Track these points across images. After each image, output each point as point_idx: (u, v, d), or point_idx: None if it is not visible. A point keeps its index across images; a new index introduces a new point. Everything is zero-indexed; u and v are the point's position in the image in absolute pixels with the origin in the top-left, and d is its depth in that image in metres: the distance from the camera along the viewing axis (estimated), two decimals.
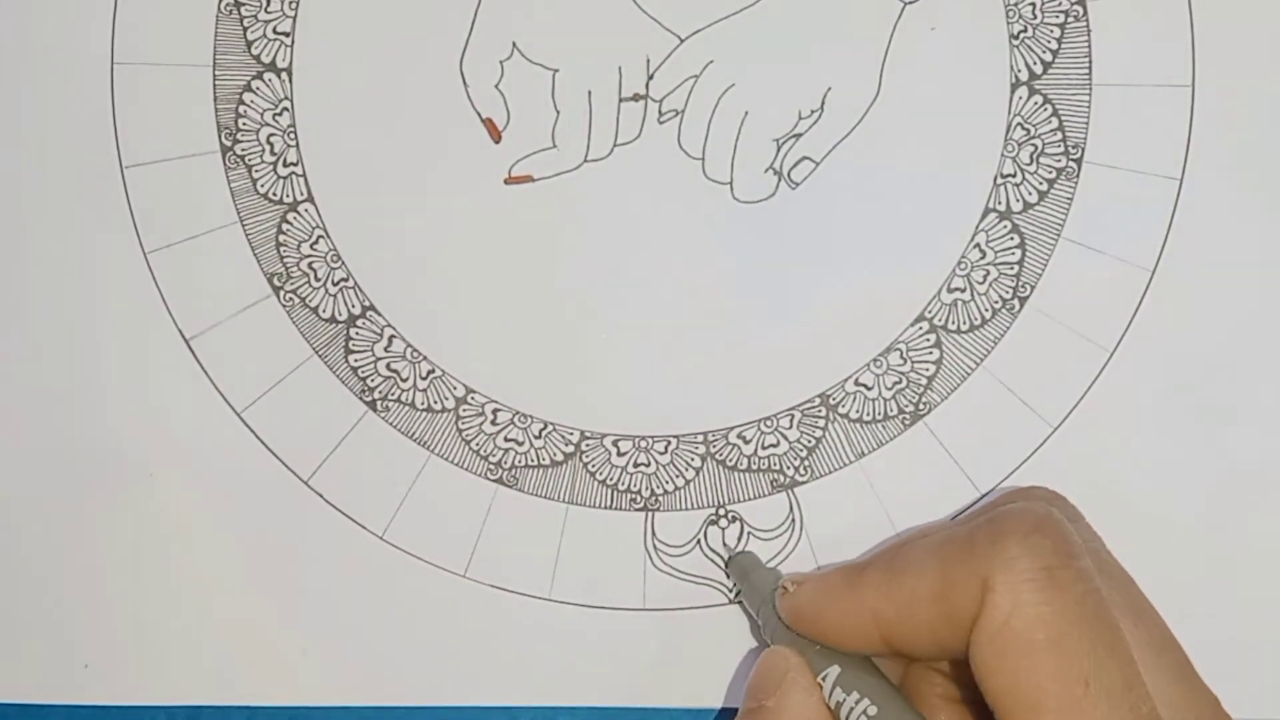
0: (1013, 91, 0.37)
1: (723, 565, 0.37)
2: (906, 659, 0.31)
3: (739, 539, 0.37)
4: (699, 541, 0.37)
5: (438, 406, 0.37)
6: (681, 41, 0.37)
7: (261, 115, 0.37)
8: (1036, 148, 0.37)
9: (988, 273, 0.37)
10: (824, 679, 0.31)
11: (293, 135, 0.37)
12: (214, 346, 0.37)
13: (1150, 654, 0.28)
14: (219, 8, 0.37)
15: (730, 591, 0.36)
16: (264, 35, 0.37)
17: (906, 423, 0.37)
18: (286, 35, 0.37)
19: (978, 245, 0.37)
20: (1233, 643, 0.36)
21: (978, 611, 0.28)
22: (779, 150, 0.37)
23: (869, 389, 0.37)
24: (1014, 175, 0.37)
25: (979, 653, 0.27)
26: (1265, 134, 0.36)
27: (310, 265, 0.37)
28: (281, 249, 0.37)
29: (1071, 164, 0.37)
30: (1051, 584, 0.27)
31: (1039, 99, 0.37)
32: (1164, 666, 0.29)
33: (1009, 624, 0.27)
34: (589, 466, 0.37)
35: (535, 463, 0.37)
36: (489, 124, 0.37)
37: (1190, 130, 0.36)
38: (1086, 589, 0.27)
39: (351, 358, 0.37)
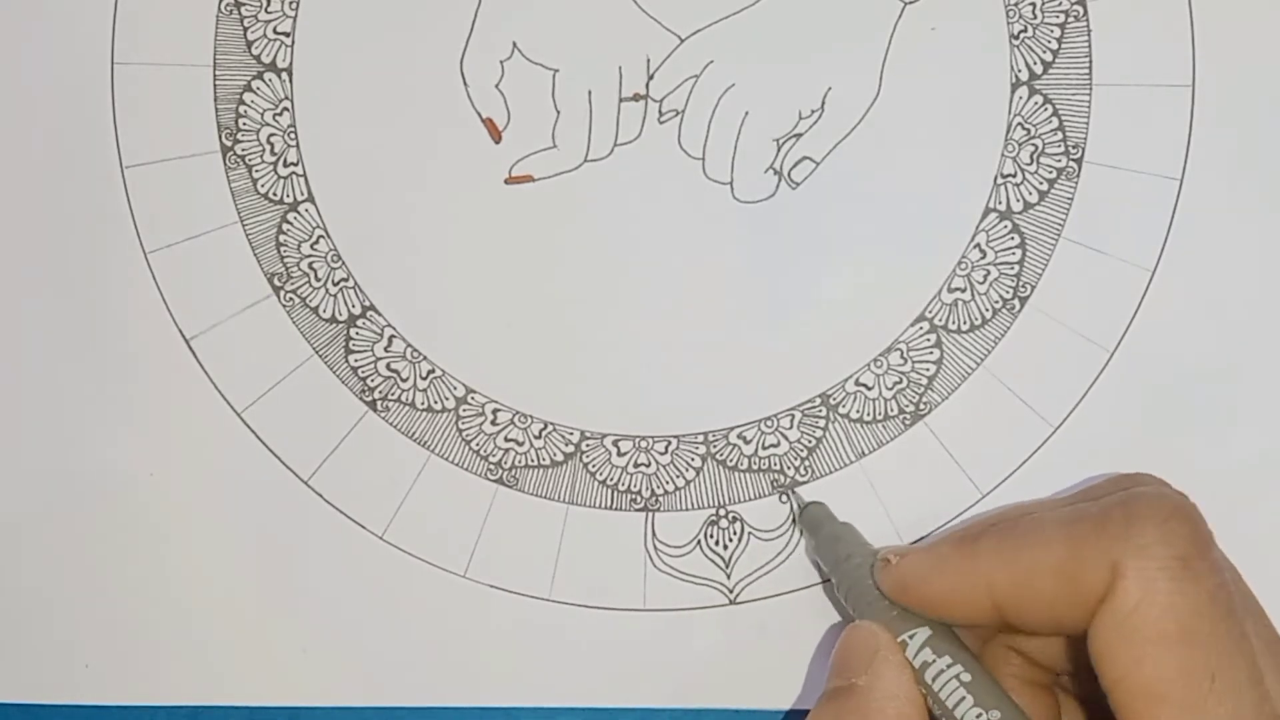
0: (1013, 91, 0.37)
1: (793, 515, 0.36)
2: (1011, 630, 0.31)
3: (740, 538, 0.37)
4: (699, 542, 0.37)
5: (438, 406, 0.37)
6: (682, 41, 0.37)
7: (262, 115, 0.37)
8: (1037, 148, 0.37)
9: (988, 273, 0.37)
10: (910, 638, 0.30)
11: (293, 135, 0.37)
12: (214, 346, 0.37)
13: (1260, 650, 0.28)
14: (219, 8, 0.37)
15: (799, 549, 0.36)
16: (264, 35, 0.37)
17: (907, 423, 0.37)
18: (286, 35, 0.37)
19: (978, 245, 0.37)
20: None
21: (1104, 593, 0.27)
22: (779, 150, 0.37)
23: (869, 389, 0.37)
24: (1014, 175, 0.37)
25: (1102, 636, 0.27)
26: (1265, 134, 0.36)
27: (310, 265, 0.37)
28: (282, 249, 0.37)
29: (1071, 164, 0.37)
30: (1186, 574, 0.27)
31: (1039, 99, 0.37)
32: (1274, 663, 0.28)
33: (1139, 611, 0.27)
34: (589, 466, 0.37)
35: (535, 463, 0.37)
36: (489, 124, 0.37)
37: (1190, 130, 0.36)
38: (1219, 582, 0.27)
39: (351, 358, 0.37)
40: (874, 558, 0.32)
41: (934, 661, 0.30)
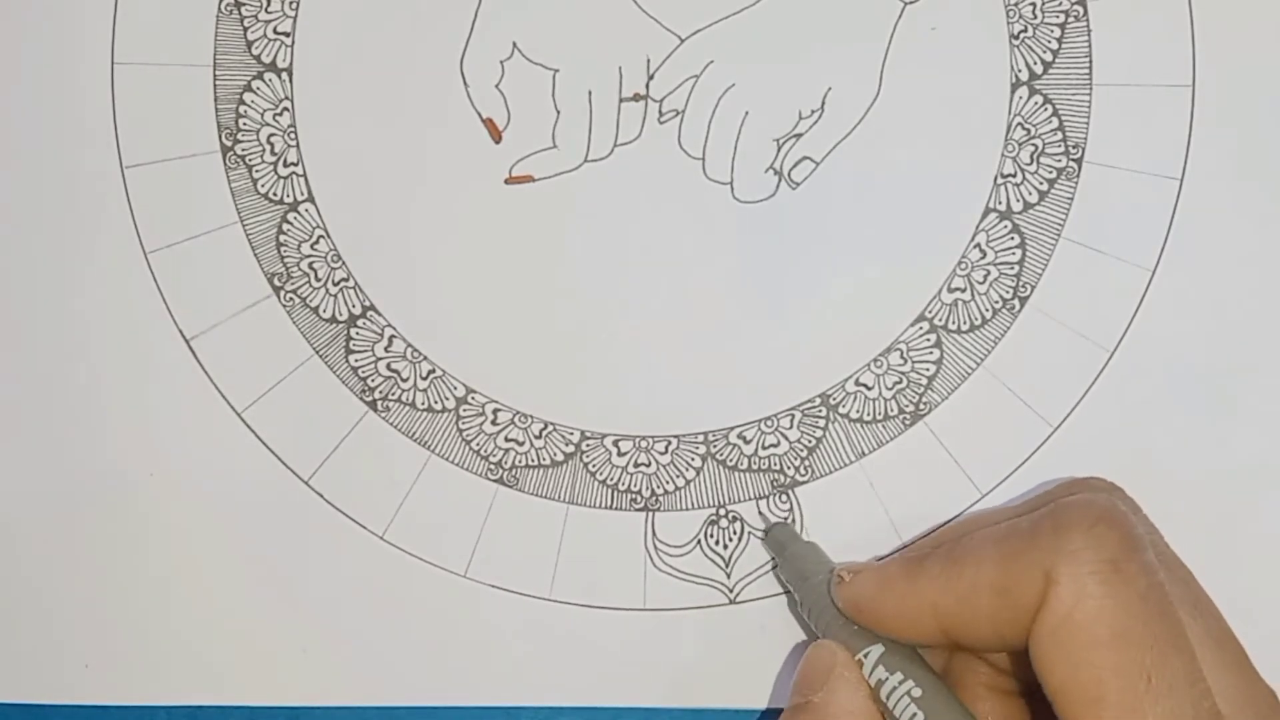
0: (1013, 91, 0.37)
1: (761, 536, 0.36)
2: (962, 649, 0.31)
3: (740, 538, 0.37)
4: (699, 541, 0.37)
5: (438, 406, 0.37)
6: (682, 41, 0.37)
7: (262, 115, 0.37)
8: (1037, 148, 0.37)
9: (988, 273, 0.37)
10: (865, 656, 0.31)
11: (293, 135, 0.37)
12: (214, 346, 0.37)
13: (1210, 647, 0.28)
14: (219, 8, 0.37)
15: (767, 564, 0.36)
16: (264, 35, 0.37)
17: (907, 423, 0.37)
18: (286, 35, 0.37)
19: (978, 245, 0.37)
20: None
21: (1040, 604, 0.27)
22: (779, 150, 0.37)
23: (869, 389, 0.37)
24: (1014, 175, 0.37)
25: (1040, 645, 0.27)
26: (1265, 134, 0.36)
27: (310, 265, 0.37)
28: (282, 249, 0.37)
29: (1071, 164, 0.37)
30: (1116, 577, 0.27)
31: (1039, 99, 0.37)
32: (1223, 660, 0.29)
33: (1072, 617, 0.27)
34: (589, 466, 0.37)
35: (535, 463, 0.37)
36: (489, 124, 0.37)
37: (1190, 130, 0.36)
38: (1150, 583, 0.27)
39: (352, 358, 0.37)
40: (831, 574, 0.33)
41: (887, 679, 0.30)
